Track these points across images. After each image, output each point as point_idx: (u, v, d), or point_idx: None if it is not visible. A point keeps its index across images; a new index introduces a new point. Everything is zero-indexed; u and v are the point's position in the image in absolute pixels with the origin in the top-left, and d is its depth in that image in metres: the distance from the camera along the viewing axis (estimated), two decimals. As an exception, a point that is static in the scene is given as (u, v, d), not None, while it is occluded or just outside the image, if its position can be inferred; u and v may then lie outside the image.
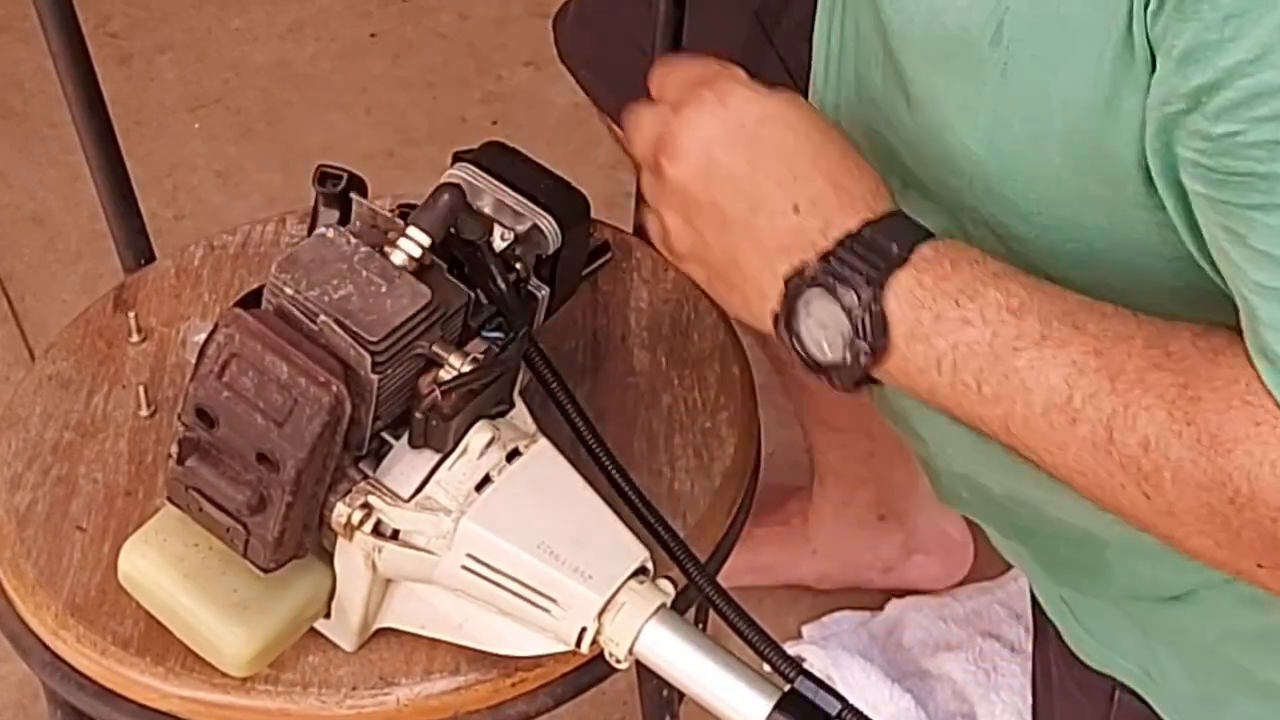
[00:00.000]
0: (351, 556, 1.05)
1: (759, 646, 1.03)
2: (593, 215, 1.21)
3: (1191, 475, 0.90)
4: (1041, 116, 0.94)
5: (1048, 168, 0.96)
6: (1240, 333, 0.91)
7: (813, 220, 0.97)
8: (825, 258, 0.96)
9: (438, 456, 1.04)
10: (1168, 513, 0.92)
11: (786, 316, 0.97)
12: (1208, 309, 0.93)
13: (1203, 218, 0.90)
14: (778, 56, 1.51)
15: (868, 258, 0.95)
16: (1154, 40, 0.88)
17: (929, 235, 0.97)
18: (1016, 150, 0.97)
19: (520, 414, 1.08)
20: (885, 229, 0.96)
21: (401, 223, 1.05)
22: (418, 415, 1.03)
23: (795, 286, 0.97)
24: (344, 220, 1.09)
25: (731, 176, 0.99)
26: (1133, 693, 1.19)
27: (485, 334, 1.07)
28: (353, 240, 1.03)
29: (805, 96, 1.44)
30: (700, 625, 1.25)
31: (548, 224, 1.15)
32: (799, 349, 0.98)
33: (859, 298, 0.95)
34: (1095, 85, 0.91)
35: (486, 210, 1.14)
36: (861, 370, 0.96)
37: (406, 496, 1.03)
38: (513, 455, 1.05)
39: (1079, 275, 1.00)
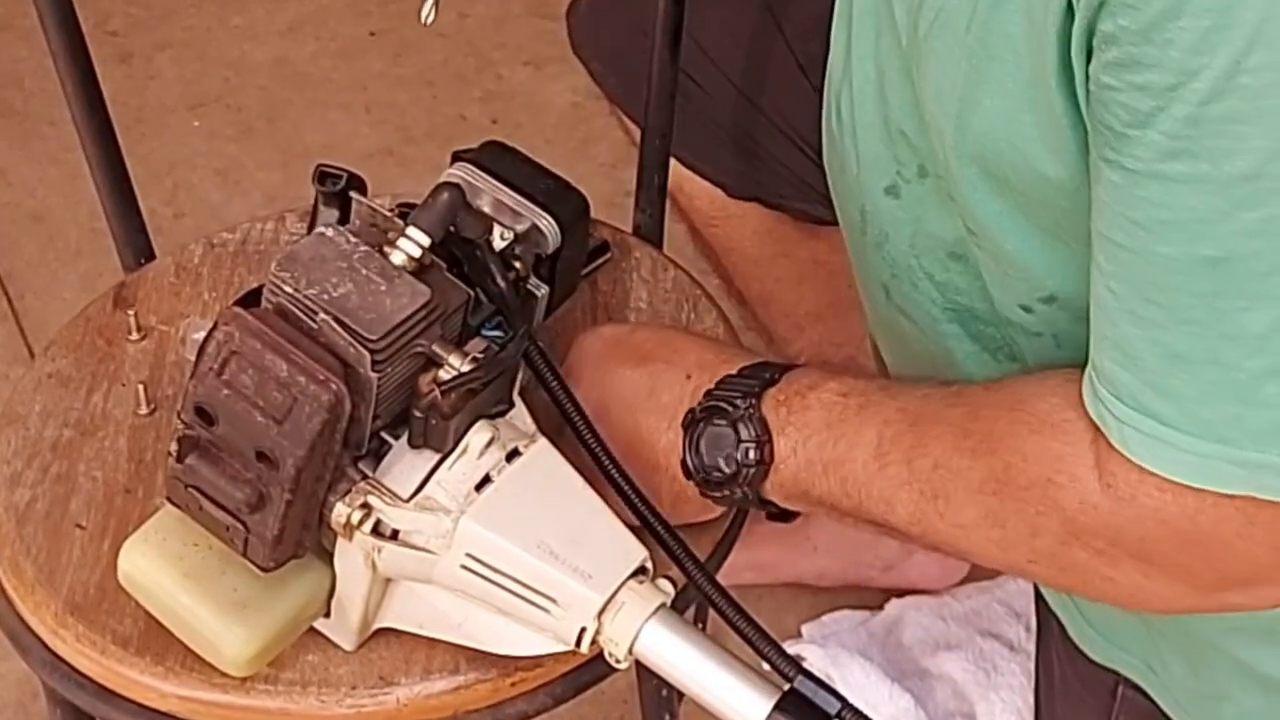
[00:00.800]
0: (351, 556, 1.05)
1: (759, 645, 1.03)
2: (592, 214, 1.21)
3: (968, 480, 1.01)
4: (1015, 92, 0.97)
5: (1022, 145, 0.98)
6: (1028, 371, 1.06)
7: (703, 377, 1.10)
8: (708, 394, 1.09)
9: (437, 456, 1.04)
10: (958, 525, 1.02)
11: (689, 454, 1.09)
12: None
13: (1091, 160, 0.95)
14: (787, 48, 1.51)
15: (743, 384, 1.09)
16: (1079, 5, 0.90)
17: (795, 365, 1.10)
18: (989, 129, 0.99)
19: (520, 414, 1.08)
20: (759, 367, 1.10)
21: (401, 222, 1.05)
22: (417, 414, 1.03)
23: (690, 425, 1.09)
24: (343, 219, 1.09)
25: (627, 375, 1.12)
26: (1135, 687, 1.19)
27: (485, 333, 1.07)
28: (352, 239, 1.03)
29: (814, 88, 1.45)
30: (700, 624, 1.25)
31: (547, 223, 1.15)
32: (703, 478, 1.09)
33: (736, 408, 1.07)
34: (1051, 59, 0.93)
35: (486, 209, 1.14)
36: (753, 473, 1.08)
37: (406, 496, 1.03)
38: (512, 455, 1.05)
39: (1047, 266, 1.03)
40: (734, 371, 1.09)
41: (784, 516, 1.12)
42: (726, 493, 1.09)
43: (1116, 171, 0.90)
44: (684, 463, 1.09)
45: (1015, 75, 0.96)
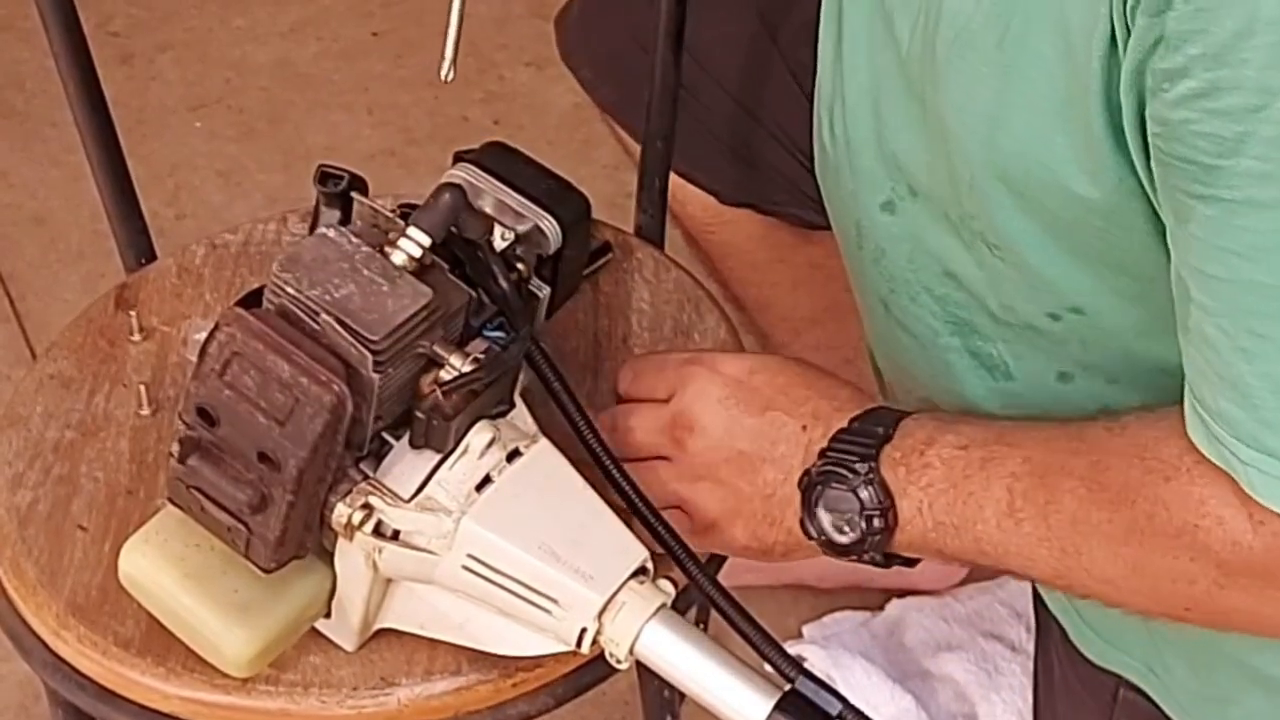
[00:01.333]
0: (352, 557, 1.05)
1: (760, 646, 1.03)
2: (594, 215, 1.21)
3: (1110, 533, 0.99)
4: (1048, 114, 0.96)
5: (1054, 165, 0.97)
6: (1148, 408, 1.01)
7: (817, 430, 1.08)
8: (822, 455, 1.07)
9: (438, 457, 1.04)
10: (1105, 581, 1.01)
11: (809, 516, 1.08)
12: None
13: (1159, 196, 0.94)
14: (780, 56, 1.51)
15: (857, 442, 1.07)
16: (1133, 29, 0.89)
17: (907, 412, 1.08)
18: (1019, 149, 0.98)
19: (521, 414, 1.08)
20: (870, 418, 1.08)
21: (402, 222, 1.05)
22: (419, 415, 1.03)
23: (808, 488, 1.07)
24: (345, 220, 1.09)
25: (751, 426, 1.09)
26: (1137, 689, 1.19)
27: (486, 334, 1.07)
28: (354, 240, 1.03)
29: (808, 95, 1.45)
30: (701, 625, 1.25)
31: (549, 224, 1.15)
32: (824, 540, 1.08)
33: (856, 474, 1.05)
34: (1091, 82, 0.92)
35: (488, 210, 1.14)
36: (879, 539, 1.06)
37: (407, 497, 1.03)
38: (513, 455, 1.05)
39: (1075, 279, 1.02)
40: (845, 425, 1.08)
41: (910, 563, 1.11)
42: (851, 556, 1.08)
43: (1212, 206, 0.89)
44: (803, 524, 1.08)
45: (1048, 96, 0.95)
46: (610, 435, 1.11)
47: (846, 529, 1.06)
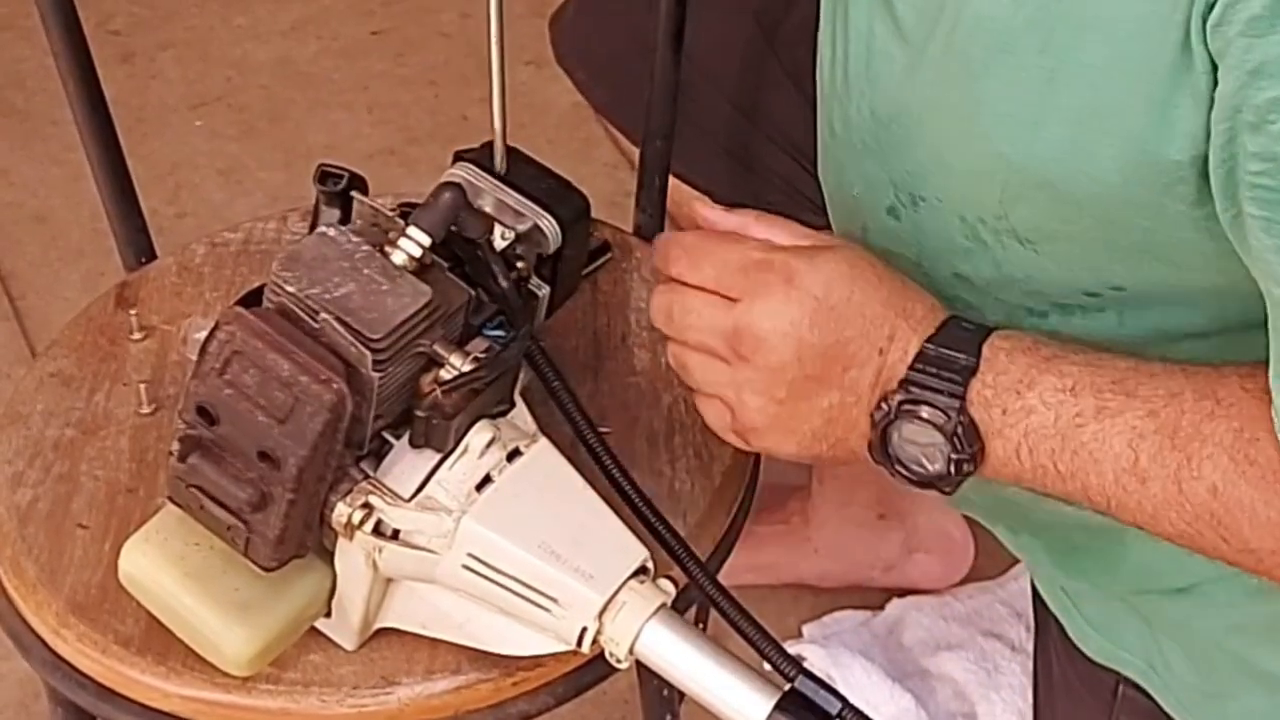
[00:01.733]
0: (352, 556, 1.05)
1: (760, 645, 1.03)
2: (593, 214, 1.21)
3: (1263, 513, 0.96)
4: (1091, 121, 0.95)
5: (1094, 171, 0.97)
6: None
7: (894, 354, 1.03)
8: (904, 385, 1.02)
9: (438, 456, 1.04)
10: (1247, 550, 0.98)
11: (882, 446, 1.03)
12: (1252, 307, 0.95)
13: (1254, 239, 0.91)
14: (777, 58, 1.50)
15: (941, 374, 1.02)
16: (1216, 52, 0.88)
17: (985, 331, 1.03)
18: (1060, 155, 0.97)
19: (521, 414, 1.08)
20: (947, 340, 1.02)
21: (402, 222, 1.05)
22: (419, 414, 1.03)
23: (884, 418, 1.03)
24: (345, 219, 1.09)
25: (823, 349, 1.03)
26: (1136, 687, 1.19)
27: (486, 333, 1.07)
28: (354, 239, 1.03)
29: (806, 96, 1.44)
30: (701, 624, 1.25)
31: (548, 223, 1.15)
32: (901, 470, 1.04)
33: (948, 416, 1.01)
34: (1149, 91, 0.91)
35: (487, 209, 1.14)
36: (964, 476, 1.03)
37: (407, 496, 1.03)
38: (513, 455, 1.05)
39: (1115, 264, 1.01)
40: (920, 348, 1.02)
41: None
42: (924, 486, 1.04)
43: None
44: (871, 450, 1.04)
45: (1093, 104, 0.95)
46: (663, 318, 1.07)
47: (925, 462, 1.03)
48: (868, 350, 1.03)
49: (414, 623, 1.09)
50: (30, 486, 1.18)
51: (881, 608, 1.84)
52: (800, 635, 1.82)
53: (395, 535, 1.03)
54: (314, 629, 1.10)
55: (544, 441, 1.06)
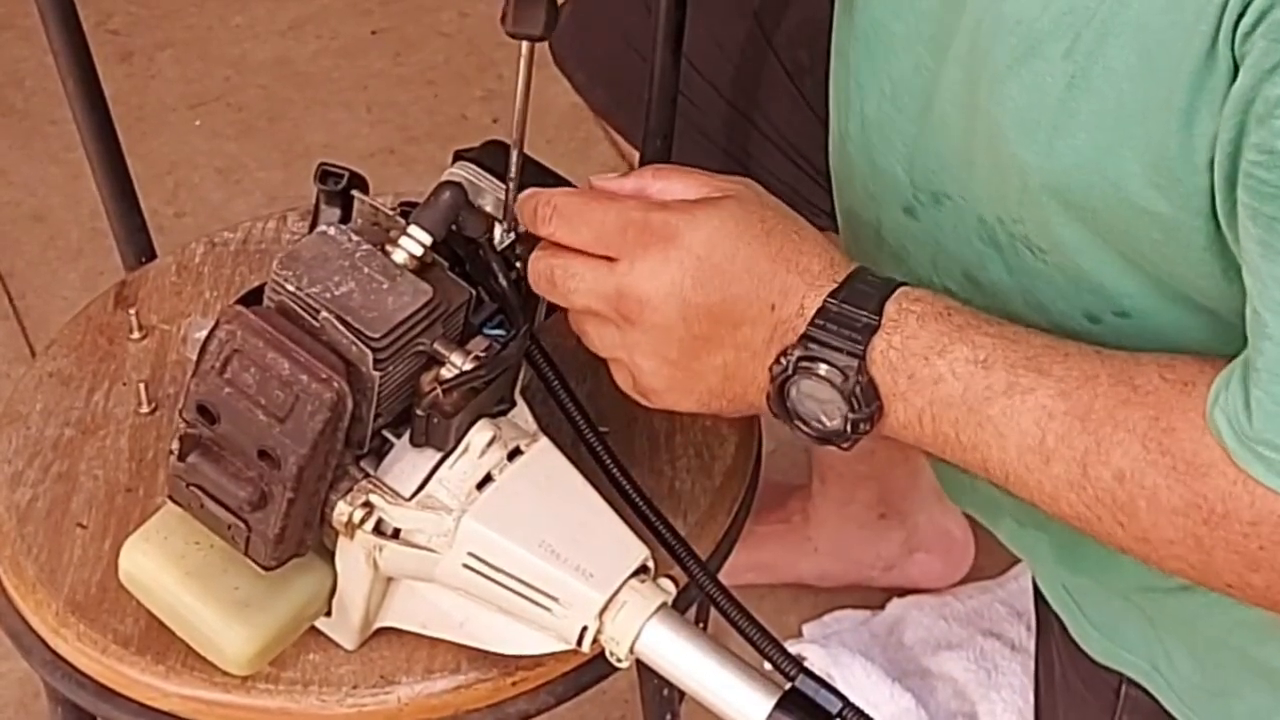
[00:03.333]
0: (353, 555, 1.05)
1: (760, 645, 1.03)
2: (594, 213, 1.21)
3: (1167, 501, 0.94)
4: (1116, 128, 0.95)
5: (1117, 178, 0.96)
6: (1208, 362, 0.95)
7: (789, 308, 1.01)
8: (803, 341, 1.00)
9: (439, 455, 1.04)
10: (1142, 539, 0.97)
11: (780, 400, 1.01)
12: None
13: (1242, 229, 0.91)
14: (776, 58, 1.50)
15: (842, 332, 0.99)
16: (1239, 56, 0.87)
17: (890, 287, 1.00)
18: (1080, 161, 0.97)
19: (522, 413, 1.08)
20: (850, 296, 1.00)
21: (403, 221, 1.05)
22: (419, 413, 1.03)
23: (782, 373, 1.00)
24: (345, 218, 1.09)
25: (709, 308, 1.01)
26: (1139, 687, 1.19)
27: (487, 332, 1.07)
28: (354, 238, 1.03)
29: (804, 97, 1.44)
30: (701, 624, 1.25)
31: (549, 222, 1.15)
32: (801, 425, 1.02)
33: (845, 375, 0.99)
34: (1172, 98, 0.91)
35: (488, 208, 1.14)
36: (860, 435, 1.01)
37: (408, 495, 1.03)
38: (514, 454, 1.05)
39: (1123, 285, 1.01)
40: (822, 304, 1.00)
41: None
42: (822, 441, 1.02)
43: None
44: (770, 404, 1.02)
45: (1116, 110, 0.94)
46: (545, 283, 1.04)
47: (823, 418, 1.01)
48: (758, 307, 1.01)
49: (414, 622, 1.09)
50: (29, 486, 1.18)
51: (882, 607, 1.84)
52: (800, 635, 1.82)
53: (396, 534, 1.03)
54: (313, 628, 1.10)
55: (544, 441, 1.06)
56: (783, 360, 1.01)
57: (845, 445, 1.02)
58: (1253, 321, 0.91)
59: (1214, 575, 0.96)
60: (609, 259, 1.03)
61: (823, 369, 0.99)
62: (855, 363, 0.99)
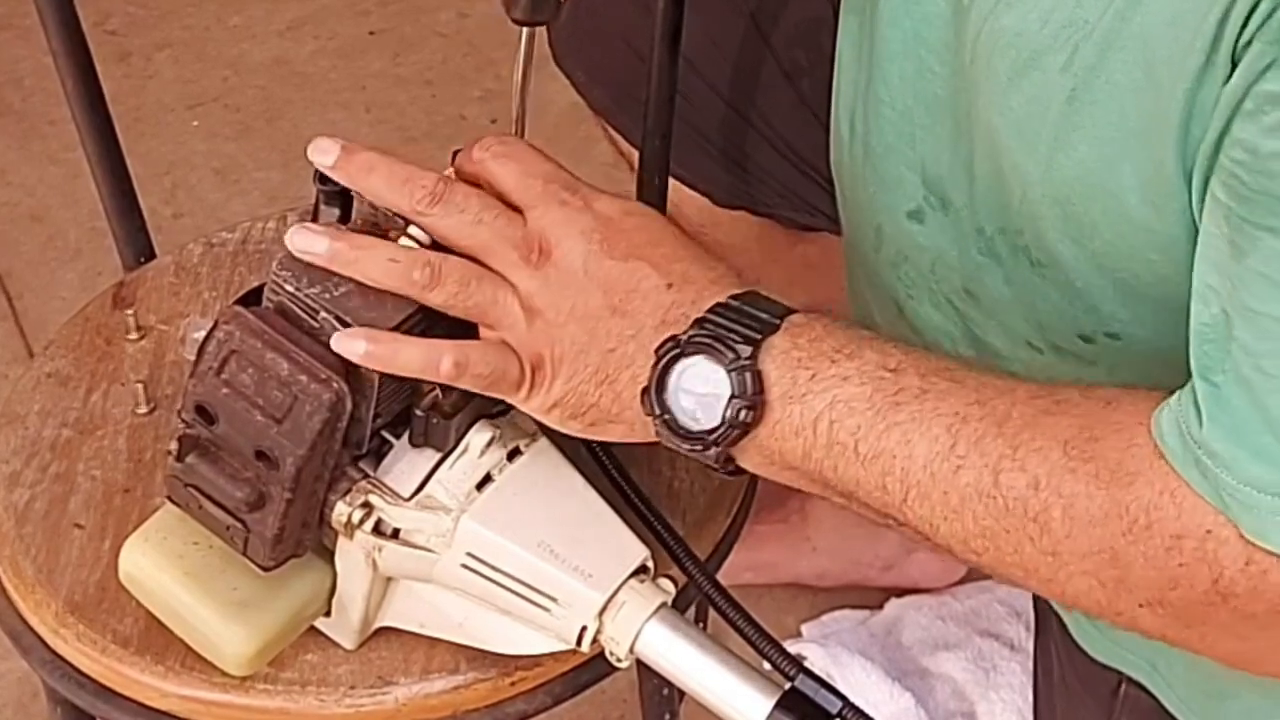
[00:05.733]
0: (352, 555, 1.05)
1: (759, 645, 1.03)
2: (593, 213, 1.21)
3: (1085, 510, 0.91)
4: (1117, 141, 0.94)
5: (1117, 191, 0.95)
6: (1128, 388, 0.93)
7: (685, 294, 0.99)
8: (699, 323, 0.98)
9: (438, 455, 1.04)
10: (1051, 554, 0.93)
11: (657, 388, 0.98)
12: None
13: (1212, 226, 0.90)
14: (774, 59, 1.50)
15: (741, 321, 0.97)
16: (1238, 60, 0.87)
17: (795, 310, 0.99)
18: (1081, 173, 0.96)
19: (521, 413, 1.07)
20: (753, 301, 0.99)
21: (402, 221, 1.05)
22: (418, 413, 1.03)
23: (668, 354, 0.98)
24: (344, 218, 1.09)
25: (608, 266, 1.00)
26: (1138, 685, 1.18)
27: (485, 332, 1.06)
28: (353, 238, 1.03)
29: (802, 97, 1.44)
30: (700, 624, 1.25)
31: (548, 222, 1.15)
32: (668, 420, 0.98)
33: (737, 355, 0.96)
34: (1169, 112, 0.90)
35: (487, 208, 1.14)
36: (737, 434, 0.97)
37: (407, 495, 1.03)
38: (513, 454, 1.05)
39: (1116, 306, 1.00)
40: (723, 299, 0.98)
41: (739, 473, 1.01)
42: (691, 445, 0.98)
43: None
44: (645, 394, 0.98)
45: (1118, 124, 0.93)
46: (452, 218, 1.02)
47: (700, 415, 0.97)
48: (654, 281, 1.00)
49: (412, 622, 1.09)
50: (27, 486, 1.18)
51: (880, 607, 1.84)
52: (799, 634, 1.82)
53: (395, 534, 1.03)
54: (312, 628, 1.10)
55: (544, 441, 1.06)
56: (675, 341, 0.98)
57: (715, 450, 0.98)
58: (1215, 325, 0.89)
59: (1125, 594, 0.92)
60: (521, 212, 1.02)
61: (714, 351, 0.96)
62: (750, 350, 0.96)
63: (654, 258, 1.01)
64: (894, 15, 1.09)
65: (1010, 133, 0.99)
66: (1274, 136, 0.84)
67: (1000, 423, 0.93)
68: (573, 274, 1.00)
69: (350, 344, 0.99)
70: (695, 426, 0.98)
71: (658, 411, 0.98)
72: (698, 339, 0.97)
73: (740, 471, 1.00)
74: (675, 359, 0.97)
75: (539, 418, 1.03)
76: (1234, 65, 0.87)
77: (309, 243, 1.02)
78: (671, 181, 1.47)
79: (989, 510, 0.93)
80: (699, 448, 0.98)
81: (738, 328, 0.97)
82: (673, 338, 0.98)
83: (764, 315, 0.98)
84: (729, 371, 0.96)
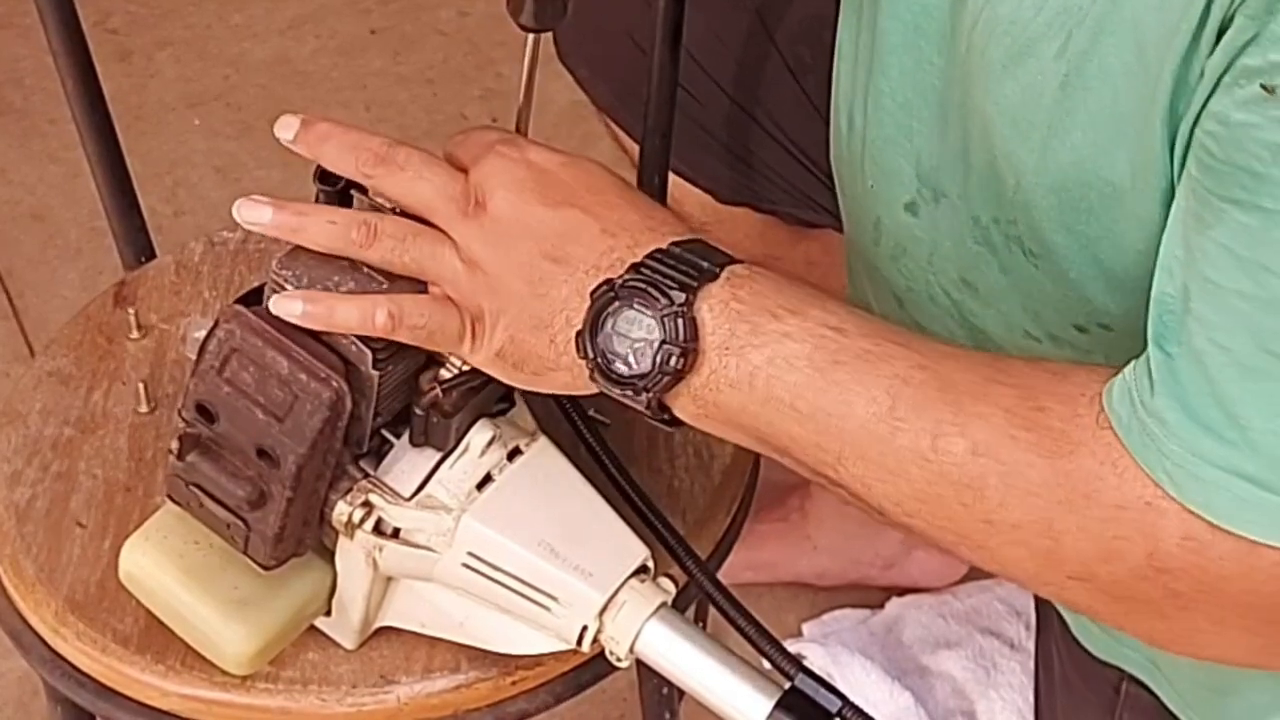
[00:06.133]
0: (352, 554, 1.05)
1: (759, 644, 1.03)
2: (593, 212, 1.21)
3: (1023, 478, 0.90)
4: (1110, 126, 0.94)
5: (1111, 177, 0.95)
6: (1081, 365, 0.93)
7: (622, 240, 0.98)
8: (634, 268, 0.97)
9: (439, 455, 1.04)
10: (985, 520, 0.92)
11: (591, 332, 0.97)
12: None
13: (1182, 199, 0.89)
14: (779, 54, 1.50)
15: (678, 268, 0.96)
16: (1229, 30, 0.86)
17: (739, 261, 0.97)
18: (1074, 160, 0.96)
19: (521, 412, 1.08)
20: (695, 249, 0.97)
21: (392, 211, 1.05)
22: (418, 412, 1.03)
23: (602, 297, 0.97)
24: (344, 217, 1.09)
25: (543, 214, 0.99)
26: (1139, 683, 1.19)
27: (486, 331, 1.06)
28: (353, 237, 1.03)
29: (807, 93, 1.44)
30: (701, 623, 1.25)
31: (549, 221, 1.15)
32: (600, 364, 0.97)
33: (670, 301, 0.95)
34: (1158, 96, 0.90)
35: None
36: (668, 380, 0.96)
37: (407, 495, 1.03)
38: (514, 454, 1.05)
39: (1107, 299, 1.00)
40: (663, 245, 0.97)
41: (675, 424, 0.99)
42: (623, 390, 0.97)
43: (1251, 214, 0.84)
44: (579, 338, 0.97)
45: (1111, 109, 0.93)
46: (394, 177, 1.02)
47: (632, 359, 0.96)
48: (593, 228, 0.99)
49: (413, 621, 1.09)
50: (28, 485, 1.18)
51: (881, 606, 1.84)
52: (799, 634, 1.82)
53: (395, 534, 1.03)
54: (312, 627, 1.10)
55: (544, 440, 1.06)
56: (610, 285, 0.97)
57: (646, 395, 0.97)
58: (1176, 296, 0.89)
59: (1055, 566, 0.91)
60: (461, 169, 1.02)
61: (648, 296, 0.95)
62: (684, 296, 0.95)
63: (591, 205, 1.00)
64: (894, 8, 1.09)
65: (1005, 121, 0.99)
66: (1246, 109, 0.84)
67: (943, 388, 0.92)
68: (507, 223, 0.99)
69: (288, 305, 0.99)
70: (627, 371, 0.97)
71: (591, 354, 0.97)
72: (631, 283, 0.96)
73: (677, 422, 0.99)
74: (609, 303, 0.96)
75: (488, 370, 1.02)
76: (1218, 42, 0.87)
77: (254, 214, 1.03)
78: (674, 178, 1.47)
79: (924, 474, 0.92)
80: (629, 392, 0.97)
81: (674, 274, 0.96)
82: (607, 281, 0.97)
83: (704, 263, 0.96)
84: (661, 317, 0.95)
